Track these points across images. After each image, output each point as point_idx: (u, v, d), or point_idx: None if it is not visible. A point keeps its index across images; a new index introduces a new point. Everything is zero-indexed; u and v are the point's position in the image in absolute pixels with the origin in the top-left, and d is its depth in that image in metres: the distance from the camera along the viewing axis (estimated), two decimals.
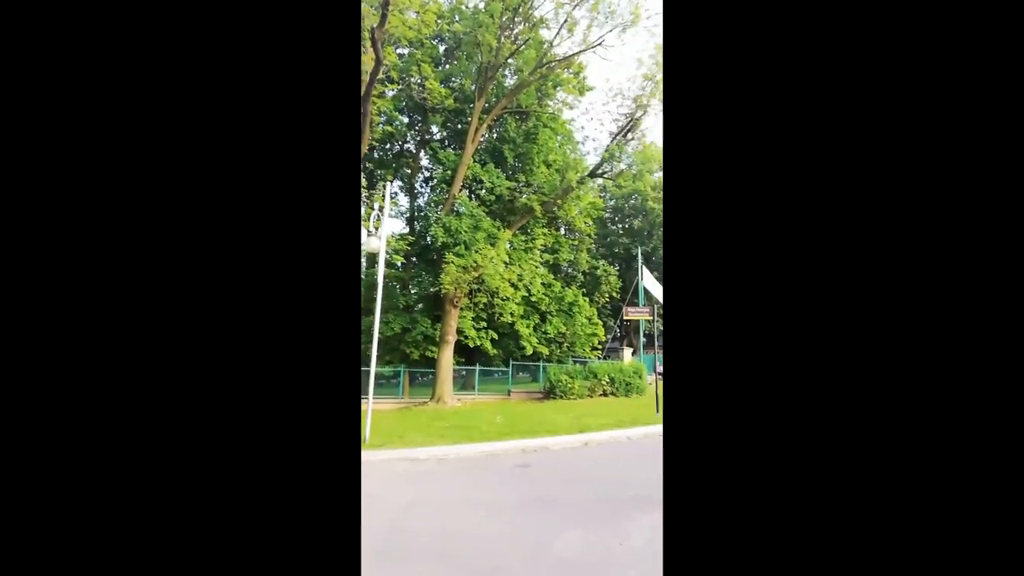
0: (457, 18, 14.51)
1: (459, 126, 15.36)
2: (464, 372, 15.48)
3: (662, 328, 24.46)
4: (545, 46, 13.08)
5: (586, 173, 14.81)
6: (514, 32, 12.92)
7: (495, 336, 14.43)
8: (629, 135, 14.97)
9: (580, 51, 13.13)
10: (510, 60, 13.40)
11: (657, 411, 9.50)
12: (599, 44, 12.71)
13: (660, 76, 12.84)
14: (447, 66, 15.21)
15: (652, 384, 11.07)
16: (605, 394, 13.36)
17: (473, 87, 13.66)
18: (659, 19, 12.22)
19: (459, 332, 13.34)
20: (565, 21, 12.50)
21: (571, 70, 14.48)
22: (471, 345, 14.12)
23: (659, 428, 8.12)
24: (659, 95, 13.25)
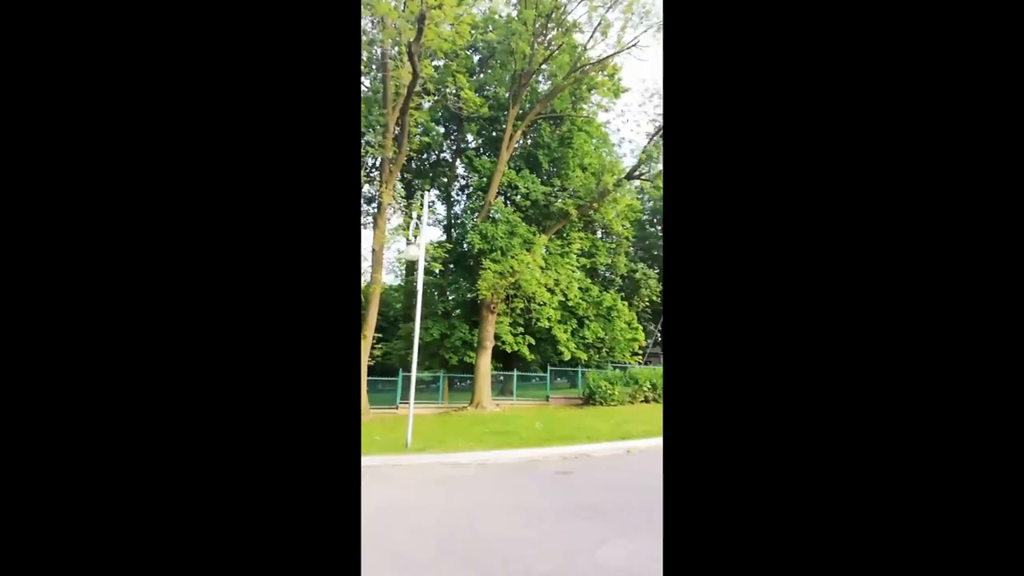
0: (491, 28, 14.72)
1: (494, 134, 15.54)
2: (502, 377, 15.52)
3: None
4: (579, 50, 13.05)
5: (623, 175, 14.59)
6: (547, 38, 12.97)
7: (532, 341, 14.41)
8: None
9: (614, 53, 13.02)
10: (544, 66, 13.45)
11: None
12: (634, 45, 12.56)
13: None
14: (481, 75, 15.45)
15: None
16: (647, 400, 13.04)
17: (507, 94, 13.80)
18: None
19: (496, 338, 13.41)
20: (599, 24, 12.44)
21: (605, 72, 14.36)
22: (508, 351, 14.16)
23: None
24: None
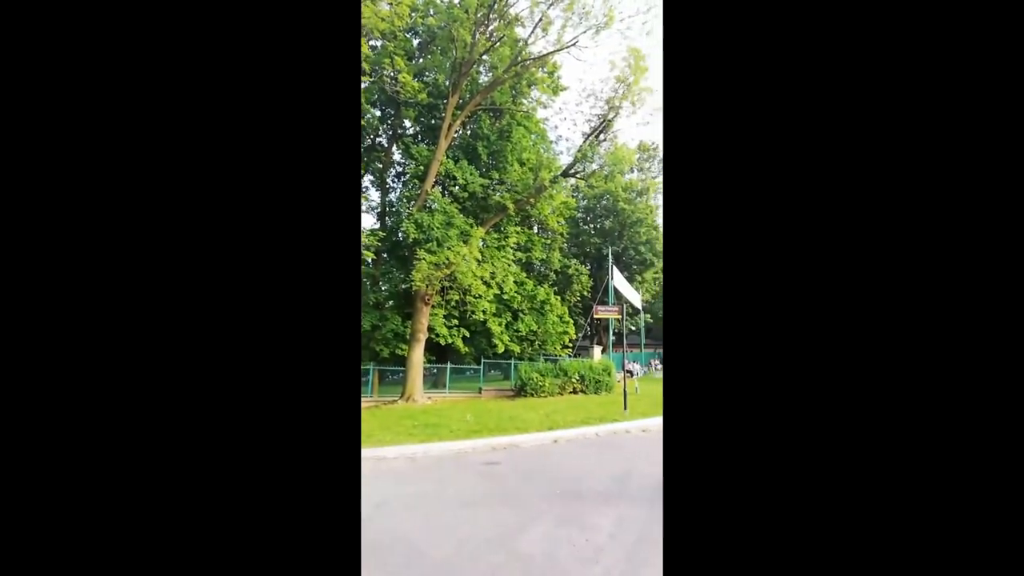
0: (432, 12, 14.33)
1: (432, 121, 15.19)
2: (435, 370, 15.35)
3: (633, 328, 24.95)
4: (520, 44, 13.08)
5: (559, 172, 14.91)
6: (489, 29, 12.86)
7: (467, 334, 14.37)
8: (601, 136, 15.16)
9: (554, 51, 13.20)
10: (485, 57, 13.34)
11: (624, 408, 9.66)
12: (573, 44, 12.80)
13: (632, 79, 13.05)
14: (421, 60, 15.01)
15: (620, 382, 11.24)
16: (575, 391, 13.51)
17: (447, 82, 13.53)
18: (632, 22, 12.41)
19: (430, 330, 13.21)
20: (540, 20, 12.54)
21: (545, 69, 14.54)
22: (442, 343, 14.02)
23: (626, 425, 8.27)
24: (631, 98, 13.46)
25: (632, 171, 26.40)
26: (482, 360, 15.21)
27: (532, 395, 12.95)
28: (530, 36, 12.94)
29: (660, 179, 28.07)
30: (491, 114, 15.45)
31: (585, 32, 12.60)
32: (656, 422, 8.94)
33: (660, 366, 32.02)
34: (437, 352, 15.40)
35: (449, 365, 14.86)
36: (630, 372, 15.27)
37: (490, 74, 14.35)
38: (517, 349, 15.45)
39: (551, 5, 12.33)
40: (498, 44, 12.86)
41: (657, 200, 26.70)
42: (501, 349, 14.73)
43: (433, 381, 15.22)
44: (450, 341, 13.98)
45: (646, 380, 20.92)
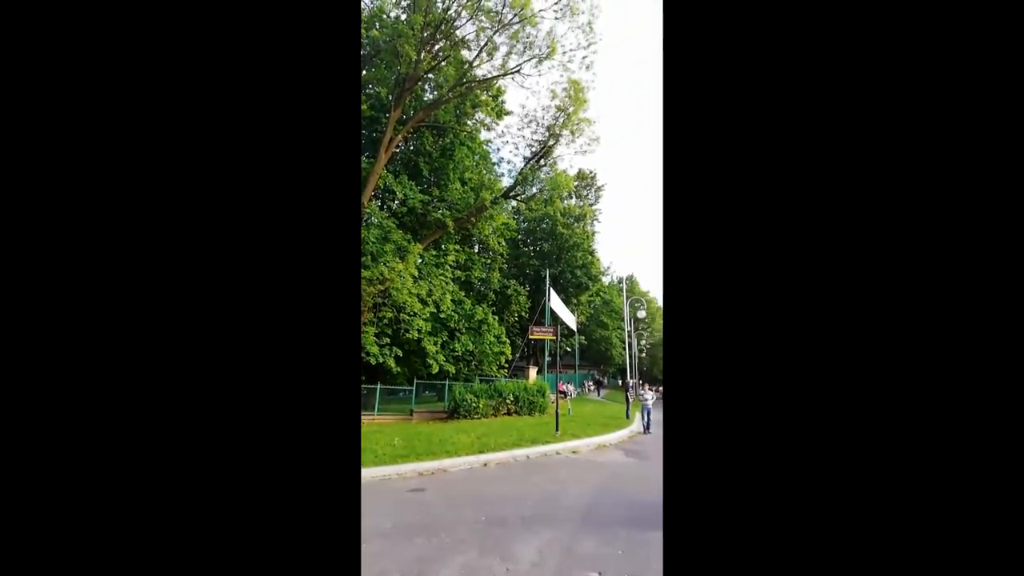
0: (377, 25, 14.19)
1: (374, 134, 14.86)
2: (364, 391, 14.61)
3: (569, 349, 25.39)
4: (465, 66, 13.24)
5: (500, 194, 15.08)
6: (435, 48, 12.92)
7: (399, 353, 13.86)
8: (542, 161, 15.59)
9: (499, 75, 13.50)
10: (429, 75, 13.34)
11: (556, 430, 9.69)
12: (517, 71, 13.17)
13: (572, 109, 13.62)
14: (364, 72, 14.73)
15: (554, 403, 11.32)
16: (509, 413, 13.40)
17: (390, 96, 13.35)
18: (574, 56, 13.02)
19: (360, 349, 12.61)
20: (485, 44, 12.80)
21: (490, 92, 14.80)
22: (373, 363, 13.41)
23: (556, 446, 8.27)
24: (570, 127, 14.00)
25: (571, 197, 27.36)
26: (415, 381, 14.71)
27: (465, 417, 12.66)
28: (475, 59, 13.15)
29: (597, 206, 29.32)
30: (434, 132, 15.40)
31: (529, 60, 13.04)
32: (586, 443, 9.03)
33: (593, 387, 32.80)
34: (368, 372, 14.70)
35: (379, 386, 14.22)
36: (563, 393, 15.44)
37: (435, 92, 14.36)
38: (452, 369, 15.12)
39: (497, 32, 12.65)
40: (443, 64, 12.93)
41: (594, 226, 27.77)
42: (436, 369, 14.34)
43: (362, 403, 14.45)
44: (381, 360, 13.41)
45: (579, 401, 21.28)
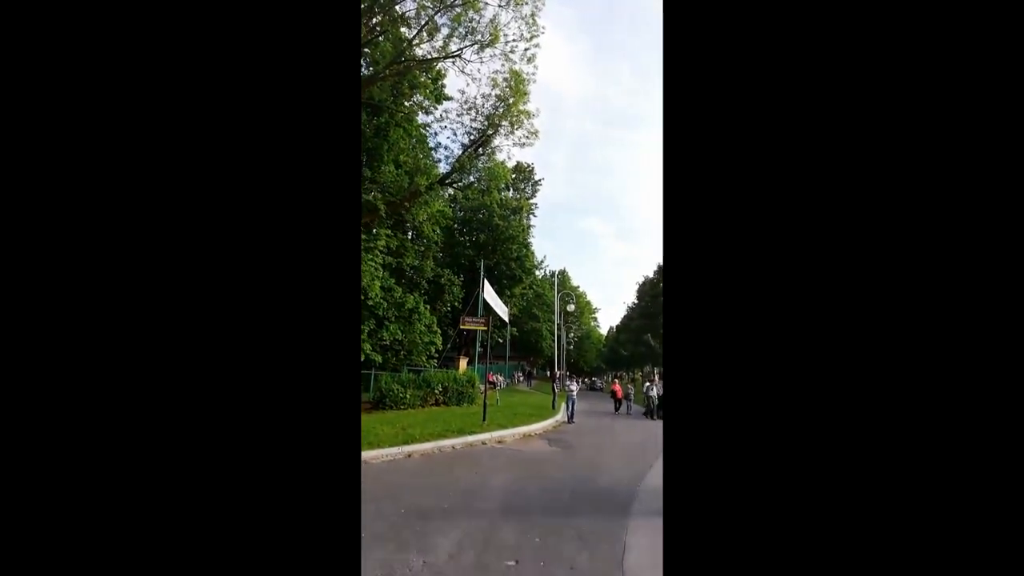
0: None
1: None
2: None
3: (501, 340, 25.62)
4: (404, 44, 12.70)
5: (436, 180, 14.72)
6: (371, 21, 12.25)
7: None
8: (480, 150, 15.42)
9: (439, 58, 13.11)
10: (365, 49, 12.64)
11: (483, 420, 9.72)
12: (458, 55, 12.86)
13: (512, 100, 13.57)
14: None
15: (483, 394, 11.34)
16: (437, 403, 13.24)
17: None
18: (516, 46, 12.95)
19: None
20: (426, 24, 12.35)
21: (429, 75, 14.33)
22: None
23: (482, 436, 8.30)
24: (510, 118, 13.96)
25: (508, 189, 27.43)
26: None
27: (392, 408, 12.32)
28: (415, 38, 12.66)
29: (534, 200, 29.65)
30: (368, 110, 14.66)
31: (471, 46, 12.77)
32: (512, 433, 9.15)
33: (523, 377, 33.39)
34: None
35: None
36: (492, 383, 15.54)
37: (370, 68, 13.64)
38: (379, 359, 14.64)
39: (438, 12, 12.25)
40: (380, 38, 12.31)
41: (530, 220, 28.06)
42: (362, 358, 13.81)
43: None
44: None
45: (508, 391, 21.56)
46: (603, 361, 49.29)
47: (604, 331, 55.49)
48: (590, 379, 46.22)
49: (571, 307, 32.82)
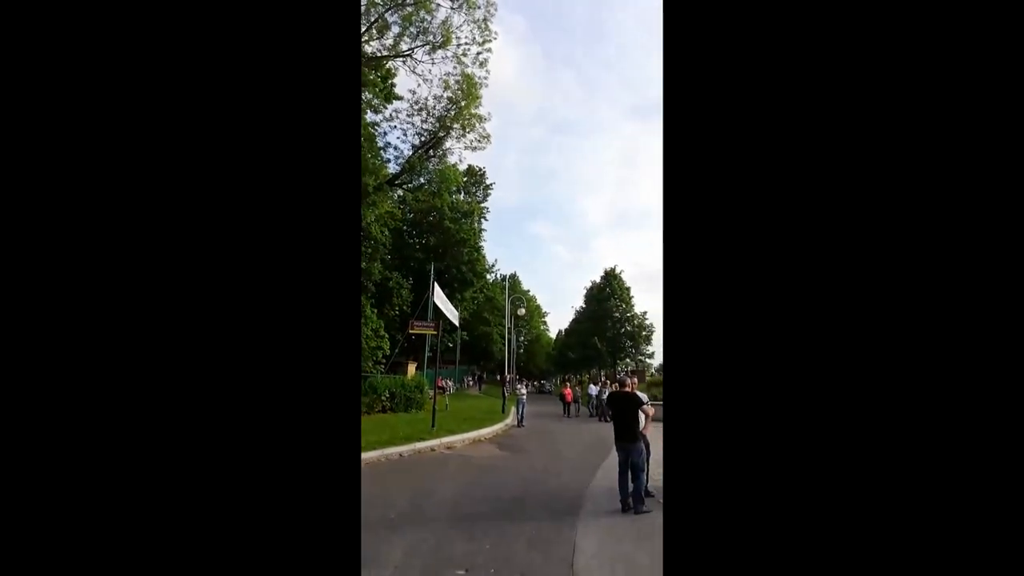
0: None
1: None
2: None
3: (451, 344, 25.31)
4: None
5: (385, 180, 14.36)
6: None
7: None
8: (431, 152, 15.21)
9: (389, 56, 12.83)
10: None
11: (432, 425, 9.54)
12: (409, 54, 12.65)
13: (464, 102, 13.51)
14: None
15: (432, 399, 11.13)
16: (384, 410, 12.85)
17: None
18: (468, 49, 12.92)
19: None
20: (376, 20, 12.05)
21: (379, 72, 13.98)
22: None
23: (431, 443, 8.13)
24: (462, 121, 13.88)
25: (460, 192, 27.25)
26: None
27: None
28: (364, 33, 12.31)
29: (486, 204, 29.66)
30: None
31: (422, 46, 12.60)
32: (461, 438, 9.04)
33: (473, 382, 33.16)
34: None
35: None
36: (441, 388, 15.31)
37: None
38: None
39: (389, 10, 12.00)
40: None
41: (482, 224, 28.02)
42: None
43: None
44: None
45: (458, 396, 21.33)
46: (552, 364, 50.03)
47: (553, 334, 56.36)
48: (539, 382, 46.76)
49: (522, 311, 33.09)
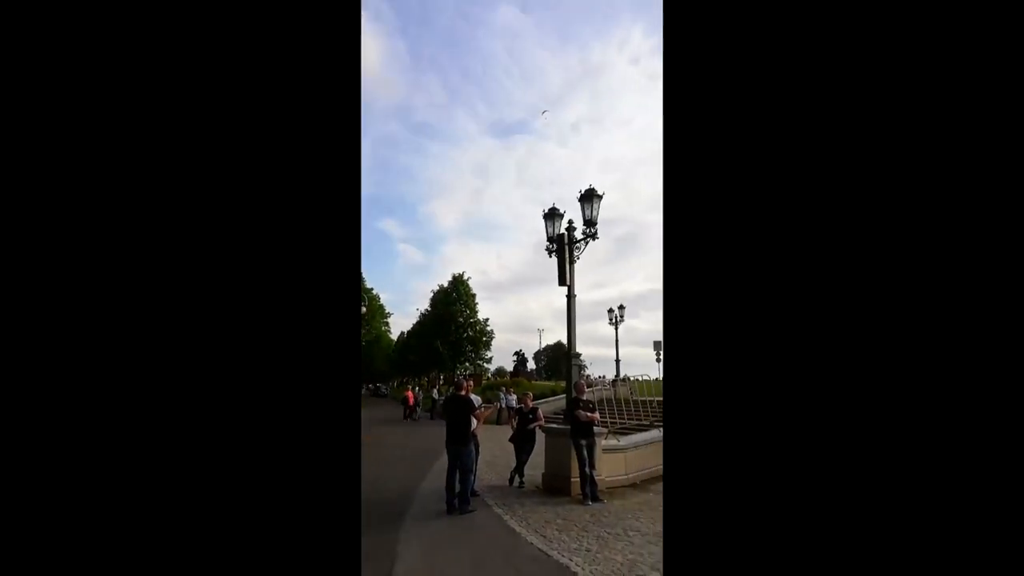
0: None
1: None
2: None
3: None
4: None
5: None
6: None
7: None
8: None
9: None
10: None
11: None
12: None
13: None
14: None
15: None
16: None
17: None
18: None
19: None
20: None
21: None
22: None
23: None
24: None
25: None
26: None
27: None
28: None
29: None
30: None
31: None
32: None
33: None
34: None
35: None
36: None
37: None
38: None
39: None
40: None
41: None
42: None
43: None
44: None
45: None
46: (391, 367, 48.46)
47: (395, 336, 54.67)
48: (374, 384, 44.86)
49: (363, 309, 31.37)
